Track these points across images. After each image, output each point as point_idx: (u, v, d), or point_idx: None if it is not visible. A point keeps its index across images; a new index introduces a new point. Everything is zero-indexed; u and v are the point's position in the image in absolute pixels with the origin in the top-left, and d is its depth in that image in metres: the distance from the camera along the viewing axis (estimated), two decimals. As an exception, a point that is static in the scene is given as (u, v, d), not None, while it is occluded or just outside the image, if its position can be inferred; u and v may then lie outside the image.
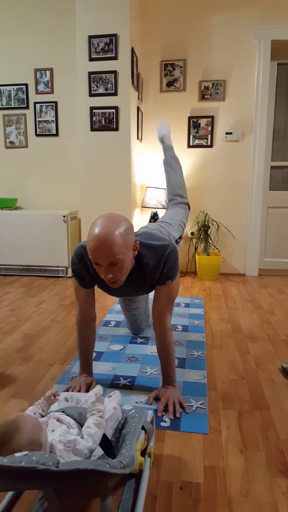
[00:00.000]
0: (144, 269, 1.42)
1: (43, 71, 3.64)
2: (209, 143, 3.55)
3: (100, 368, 1.76)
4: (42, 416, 1.08)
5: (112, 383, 1.62)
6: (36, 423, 0.91)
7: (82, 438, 0.94)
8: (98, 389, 1.32)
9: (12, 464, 0.75)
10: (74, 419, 1.03)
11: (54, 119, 3.70)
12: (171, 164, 2.37)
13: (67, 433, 0.94)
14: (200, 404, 1.46)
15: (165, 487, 1.06)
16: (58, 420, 0.99)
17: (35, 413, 1.06)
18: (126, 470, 0.85)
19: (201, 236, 3.53)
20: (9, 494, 1.01)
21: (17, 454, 0.78)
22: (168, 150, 2.42)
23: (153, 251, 1.41)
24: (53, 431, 0.95)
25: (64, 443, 0.91)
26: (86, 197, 3.26)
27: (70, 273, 3.53)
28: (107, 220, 1.23)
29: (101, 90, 3.06)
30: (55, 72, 3.63)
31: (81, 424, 1.01)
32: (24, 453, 0.78)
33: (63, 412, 1.05)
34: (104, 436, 0.99)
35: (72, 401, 1.16)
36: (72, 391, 1.48)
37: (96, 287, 1.60)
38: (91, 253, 1.24)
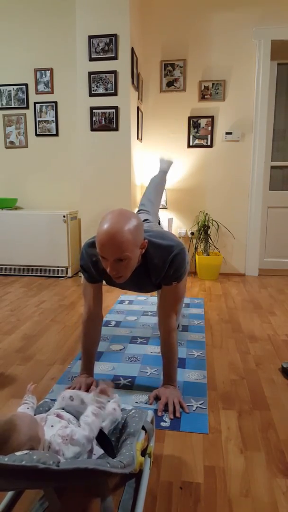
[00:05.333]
0: (149, 267, 1.43)
1: (43, 71, 3.64)
2: (209, 143, 3.55)
3: (100, 368, 1.76)
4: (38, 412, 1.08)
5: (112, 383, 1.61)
6: (32, 419, 0.91)
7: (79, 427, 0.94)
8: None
9: (13, 463, 0.75)
10: (74, 416, 1.03)
11: (54, 119, 3.70)
12: (158, 181, 2.56)
13: (66, 427, 0.95)
14: (200, 404, 1.46)
15: (165, 487, 1.06)
16: (58, 416, 0.99)
17: (28, 408, 1.06)
18: (126, 469, 0.85)
19: (201, 236, 3.53)
20: (9, 494, 1.01)
21: (18, 453, 0.78)
22: (162, 173, 2.65)
23: (159, 250, 1.40)
24: (52, 426, 0.95)
25: (62, 436, 0.91)
26: (86, 197, 3.26)
27: (70, 273, 3.53)
28: (118, 216, 1.23)
29: (101, 90, 3.06)
30: (55, 72, 3.63)
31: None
32: (24, 452, 0.79)
33: (63, 409, 1.05)
34: (104, 436, 0.99)
35: (76, 399, 1.16)
36: (73, 391, 1.48)
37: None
38: (99, 247, 1.25)
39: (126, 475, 1.06)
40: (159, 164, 2.70)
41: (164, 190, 3.53)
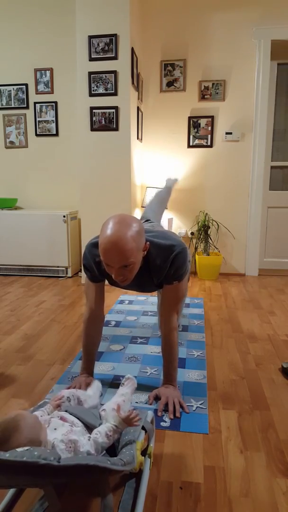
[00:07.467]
0: (151, 268, 1.44)
1: (43, 71, 3.64)
2: (209, 143, 3.55)
3: (100, 368, 1.76)
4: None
5: (112, 383, 1.62)
6: (36, 422, 0.91)
7: (89, 440, 0.93)
8: (96, 385, 1.31)
9: (14, 458, 0.75)
10: (77, 418, 1.02)
11: (54, 119, 3.70)
12: (164, 195, 2.71)
13: (70, 432, 0.94)
14: (200, 404, 1.46)
15: (165, 487, 1.06)
16: (62, 418, 0.99)
17: (41, 416, 1.06)
18: (126, 467, 0.86)
19: (201, 236, 3.53)
20: (9, 493, 1.01)
21: (19, 449, 0.78)
22: (168, 188, 2.80)
23: (161, 250, 1.41)
24: (55, 429, 0.94)
25: (66, 442, 0.90)
26: (86, 197, 3.26)
27: (70, 273, 3.53)
28: (119, 223, 1.22)
29: (101, 90, 3.06)
30: (55, 72, 3.63)
31: (84, 423, 1.01)
32: (26, 448, 0.79)
33: (66, 411, 1.05)
34: None
35: (74, 399, 1.16)
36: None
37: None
38: (103, 256, 1.24)
39: (126, 475, 1.06)
40: (165, 183, 2.93)
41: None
